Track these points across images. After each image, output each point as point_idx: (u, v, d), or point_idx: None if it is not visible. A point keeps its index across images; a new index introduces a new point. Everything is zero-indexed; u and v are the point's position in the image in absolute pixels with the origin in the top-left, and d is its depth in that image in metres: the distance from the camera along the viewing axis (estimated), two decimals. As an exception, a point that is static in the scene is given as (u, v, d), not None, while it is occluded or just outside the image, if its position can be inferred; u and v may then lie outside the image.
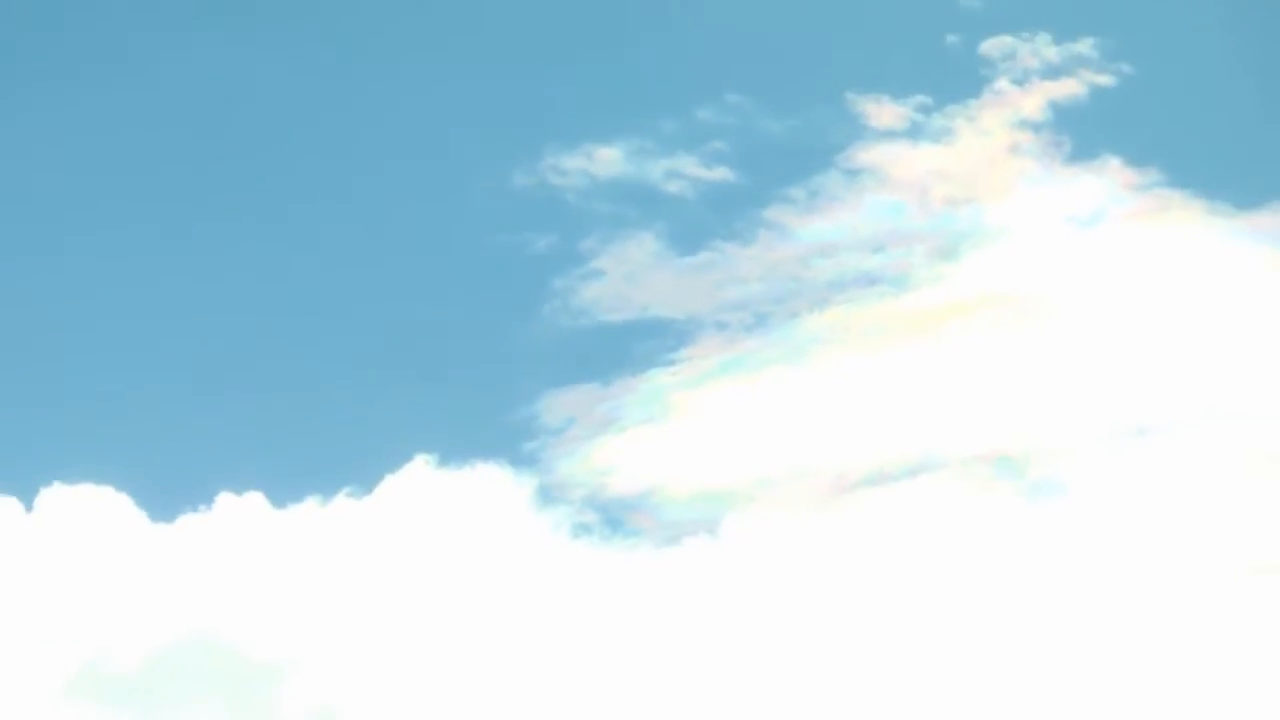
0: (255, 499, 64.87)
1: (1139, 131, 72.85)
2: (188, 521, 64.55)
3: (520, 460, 67.91)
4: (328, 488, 64.66)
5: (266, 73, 75.14)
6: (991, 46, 74.43)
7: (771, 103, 74.20)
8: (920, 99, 73.97)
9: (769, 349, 69.94)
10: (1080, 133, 73.00)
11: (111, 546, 63.88)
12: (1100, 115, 73.44)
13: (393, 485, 65.11)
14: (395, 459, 64.97)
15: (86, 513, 64.46)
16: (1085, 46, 74.11)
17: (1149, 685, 58.05)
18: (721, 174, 73.29)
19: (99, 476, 64.25)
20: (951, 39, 74.86)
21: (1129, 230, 71.31)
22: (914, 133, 73.79)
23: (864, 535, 63.88)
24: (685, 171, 73.17)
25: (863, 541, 63.65)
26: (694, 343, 69.88)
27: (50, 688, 60.02)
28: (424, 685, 60.23)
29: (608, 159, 73.24)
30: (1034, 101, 73.42)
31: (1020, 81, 73.97)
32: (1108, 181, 71.93)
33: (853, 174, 73.07)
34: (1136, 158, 72.16)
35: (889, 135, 73.62)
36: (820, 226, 72.07)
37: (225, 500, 64.62)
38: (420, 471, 65.63)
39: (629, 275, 71.53)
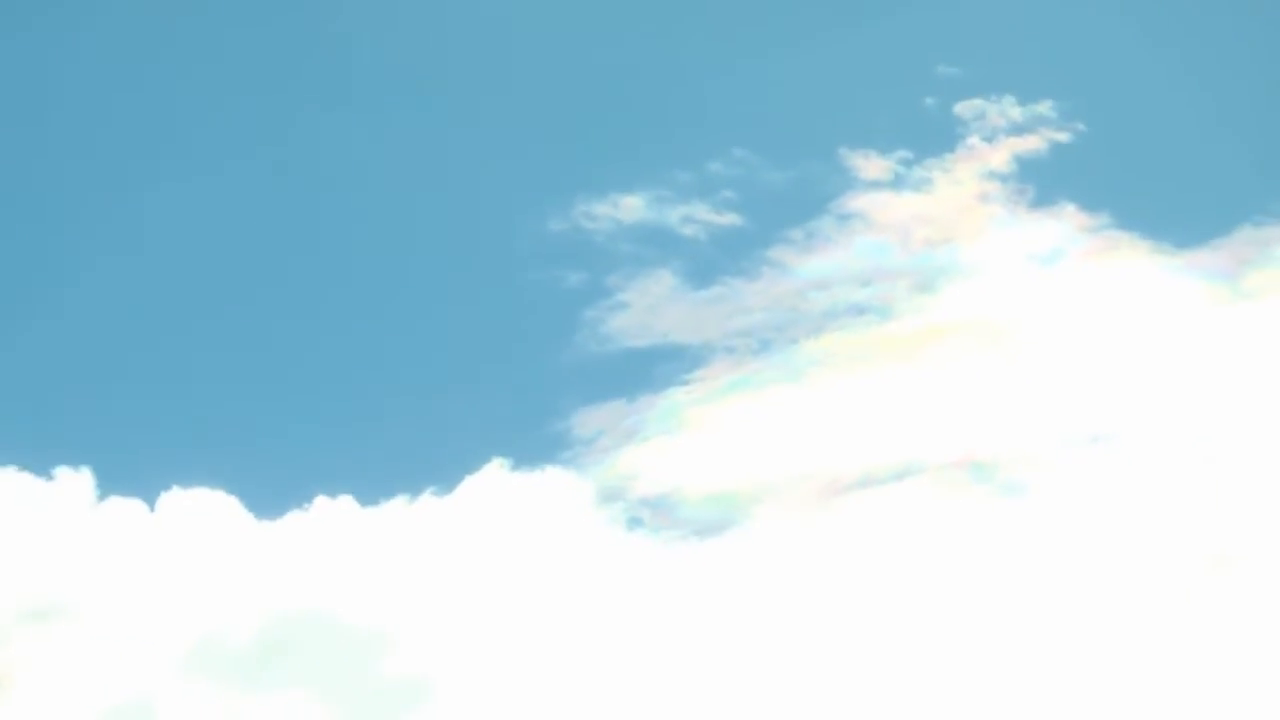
0: (346, 501, 66.83)
1: (1092, 181, 75.78)
2: (289, 520, 66.75)
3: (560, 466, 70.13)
4: (414, 488, 67.40)
5: (335, 138, 77.63)
6: (964, 108, 77.57)
7: (773, 157, 76.54)
8: (902, 153, 76.88)
9: (771, 370, 73.13)
10: (1041, 182, 76.07)
11: (223, 542, 66.50)
12: (1058, 167, 76.33)
13: (472, 485, 68.25)
14: (474, 462, 67.82)
15: (201, 513, 67.00)
16: (1045, 108, 77.18)
17: (1106, 668, 60.58)
18: (730, 219, 75.55)
19: (211, 481, 65.97)
20: (929, 101, 77.62)
21: (1084, 267, 74.83)
22: (897, 183, 76.78)
23: (856, 531, 67.13)
24: (698, 216, 75.72)
25: (855, 537, 66.88)
26: (706, 365, 73.06)
27: (170, 663, 63.25)
28: (503, 657, 63.10)
29: (631, 206, 76.14)
30: (1001, 155, 76.71)
31: (989, 138, 77.11)
32: (1065, 225, 75.40)
33: (844, 218, 76.00)
34: (1090, 204, 75.15)
35: (875, 185, 76.59)
36: (816, 264, 75.28)
37: (321, 502, 66.86)
38: (496, 473, 68.55)
39: (650, 307, 74.46)
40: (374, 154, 78.49)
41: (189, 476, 66.63)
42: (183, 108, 79.00)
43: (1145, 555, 64.69)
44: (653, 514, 68.43)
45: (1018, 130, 76.34)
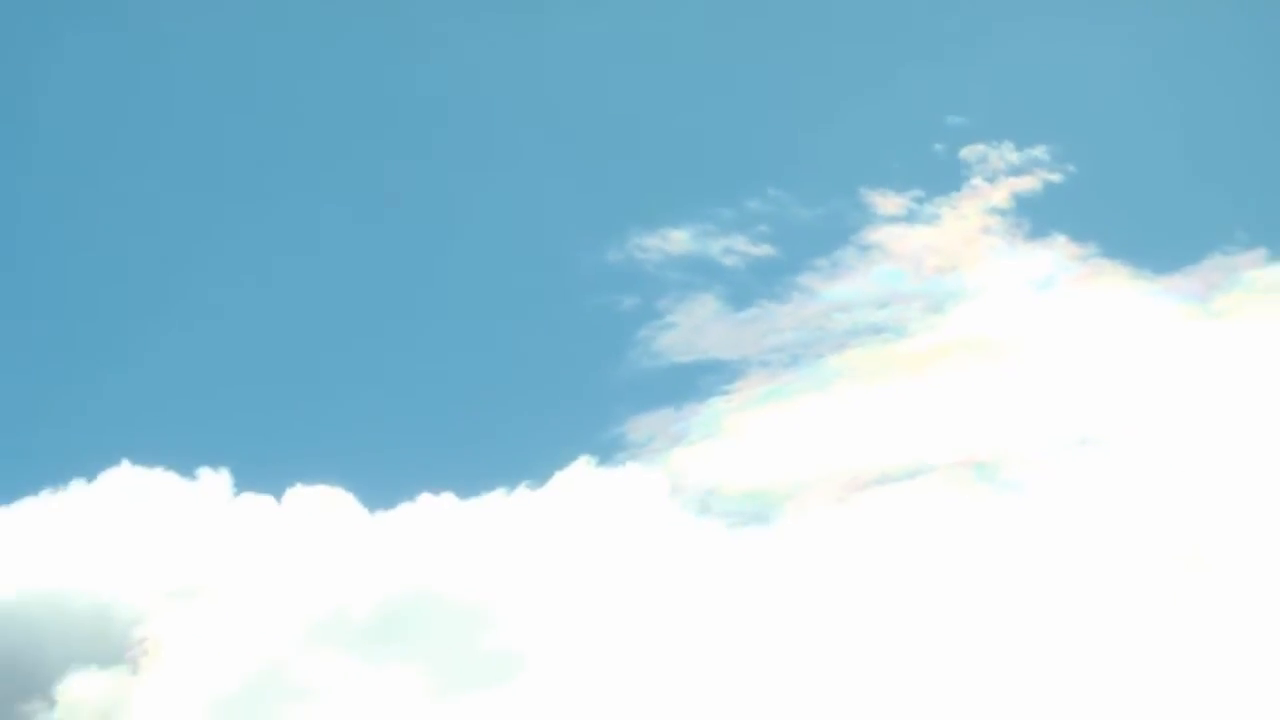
0: (449, 496, 70.08)
1: (1081, 216, 78.04)
2: (399, 512, 70.08)
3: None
4: (510, 481, 70.35)
5: (433, 186, 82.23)
6: (969, 152, 79.49)
7: (802, 195, 79.61)
8: (915, 192, 78.93)
9: (800, 382, 74.87)
10: (1036, 217, 78.15)
11: (341, 531, 69.67)
12: (1051, 204, 78.67)
13: (562, 479, 70.59)
14: (563, 459, 70.78)
15: (322, 506, 70.81)
16: (1040, 152, 79.16)
17: (1087, 639, 61.84)
18: (764, 249, 78.59)
19: (330, 479, 70.50)
20: (938, 147, 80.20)
21: (1074, 290, 76.33)
22: (910, 218, 78.57)
23: (874, 522, 68.94)
24: (737, 248, 78.45)
25: (873, 527, 68.70)
26: (743, 377, 75.01)
27: (297, 636, 65.94)
28: (590, 631, 64.92)
29: (678, 239, 78.74)
30: (1001, 194, 78.40)
31: (991, 179, 78.91)
32: (1057, 254, 77.10)
33: (864, 249, 78.03)
34: (1079, 236, 77.38)
35: (891, 220, 78.49)
36: (839, 289, 77.13)
37: (427, 496, 69.97)
38: (583, 468, 71.08)
39: (694, 327, 76.76)
40: (463, 197, 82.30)
41: (311, 475, 70.63)
42: (307, 159, 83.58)
43: (1127, 543, 66.08)
44: (699, 506, 70.49)
45: (1016, 171, 78.89)
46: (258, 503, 71.46)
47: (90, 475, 71.45)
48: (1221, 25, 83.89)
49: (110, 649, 65.53)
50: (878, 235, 78.22)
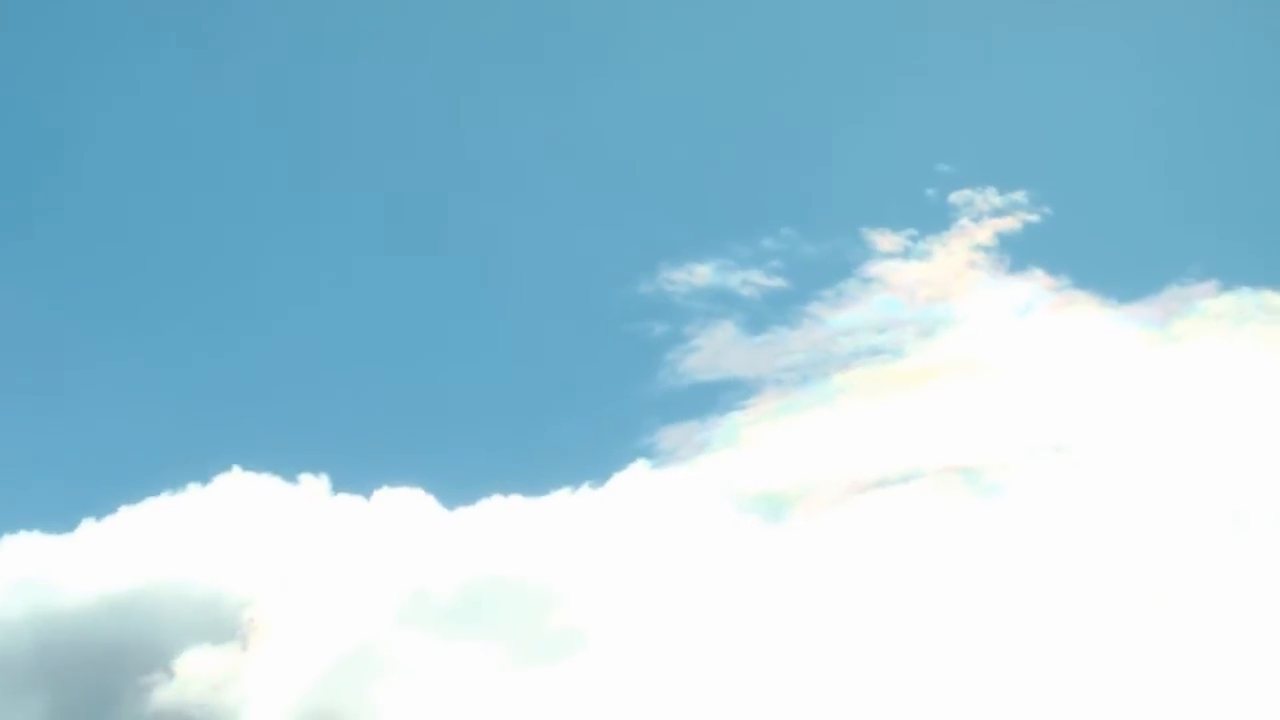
0: (517, 496, 73.04)
1: (1055, 252, 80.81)
2: (475, 509, 73.30)
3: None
4: (574, 482, 73.45)
5: (495, 226, 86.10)
6: (957, 197, 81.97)
7: (810, 235, 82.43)
8: (910, 231, 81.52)
9: (809, 398, 77.33)
10: (1016, 253, 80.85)
11: (422, 526, 72.53)
12: (1029, 242, 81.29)
13: (621, 479, 73.47)
14: (621, 461, 74.32)
15: (405, 504, 73.63)
16: (1019, 196, 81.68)
17: (1057, 620, 64.59)
18: (778, 282, 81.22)
19: (412, 481, 74.14)
20: (930, 192, 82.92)
21: (1049, 317, 78.82)
22: (906, 254, 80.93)
23: (873, 520, 71.55)
24: (753, 280, 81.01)
25: (872, 523, 71.31)
26: (759, 394, 77.88)
27: (386, 618, 68.22)
28: (643, 611, 67.15)
29: (702, 273, 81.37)
30: (985, 233, 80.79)
31: (976, 219, 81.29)
32: (1034, 285, 79.62)
33: (865, 281, 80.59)
34: (1054, 270, 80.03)
35: (889, 256, 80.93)
36: (843, 316, 79.51)
37: (498, 496, 73.04)
38: (640, 469, 73.97)
39: (716, 350, 79.51)
40: (521, 240, 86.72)
41: (396, 478, 74.20)
42: (398, 209, 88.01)
43: (1094, 538, 68.64)
44: (728, 506, 72.50)
45: (998, 213, 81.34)
46: (351, 502, 74.33)
47: (205, 479, 74.82)
48: (1178, 91, 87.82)
49: (222, 629, 68.54)
50: (877, 269, 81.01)
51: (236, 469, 75.31)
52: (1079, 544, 69.18)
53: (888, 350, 78.55)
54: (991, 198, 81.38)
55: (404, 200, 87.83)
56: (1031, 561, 68.39)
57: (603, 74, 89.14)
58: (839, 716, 63.50)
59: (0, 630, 70.42)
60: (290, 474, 74.78)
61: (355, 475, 74.63)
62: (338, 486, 74.70)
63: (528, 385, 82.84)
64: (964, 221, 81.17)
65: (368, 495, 74.55)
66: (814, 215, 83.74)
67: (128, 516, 73.95)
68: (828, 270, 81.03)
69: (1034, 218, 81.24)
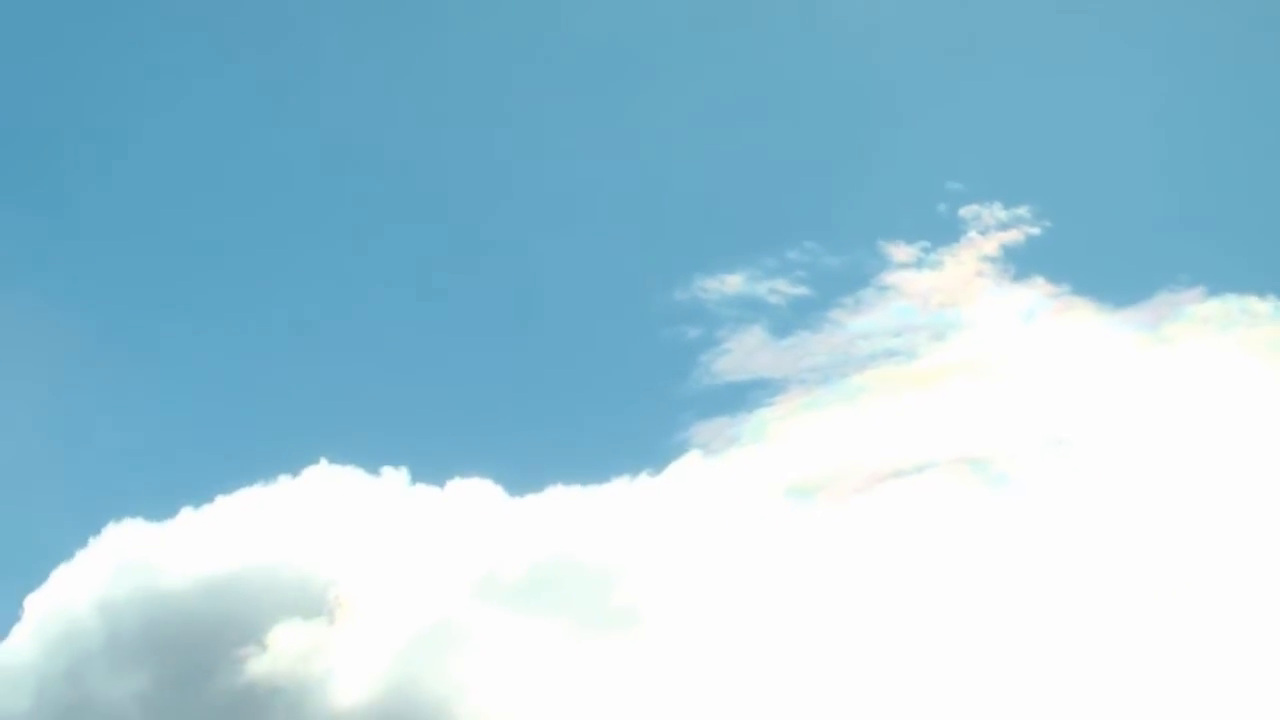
0: (575, 489, 75.45)
1: (1056, 262, 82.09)
2: (540, 496, 75.68)
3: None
4: (633, 470, 76.14)
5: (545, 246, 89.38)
6: (966, 211, 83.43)
7: (832, 247, 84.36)
8: (923, 244, 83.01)
9: (831, 396, 79.25)
10: (1020, 263, 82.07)
11: (491, 512, 75.23)
12: (1032, 252, 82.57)
13: (677, 468, 75.96)
14: (677, 452, 76.75)
15: (475, 493, 76.58)
16: (1023, 210, 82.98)
17: (1064, 605, 66.74)
18: (802, 291, 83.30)
19: (481, 472, 76.91)
20: (941, 207, 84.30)
21: (1050, 322, 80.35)
22: (919, 265, 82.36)
23: (891, 508, 73.61)
24: (780, 289, 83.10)
25: (889, 513, 73.40)
26: (785, 393, 79.63)
27: (461, 595, 71.04)
28: (695, 590, 69.47)
29: (733, 282, 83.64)
30: (992, 244, 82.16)
31: (984, 232, 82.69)
32: (1036, 292, 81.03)
33: (882, 289, 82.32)
34: (1054, 278, 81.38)
35: (904, 266, 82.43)
36: (862, 322, 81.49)
37: (556, 488, 75.71)
38: (694, 459, 76.30)
39: (746, 353, 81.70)
40: (570, 252, 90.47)
41: (466, 469, 77.19)
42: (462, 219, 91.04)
43: (1090, 523, 70.98)
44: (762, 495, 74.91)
45: (1004, 226, 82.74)
46: (427, 492, 76.92)
47: (295, 471, 77.37)
48: (1168, 114, 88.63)
49: (311, 605, 70.95)
50: (893, 279, 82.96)
51: (324, 461, 77.90)
52: (1079, 527, 71.68)
53: (903, 352, 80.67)
54: (998, 212, 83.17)
55: (472, 217, 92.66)
56: (1036, 543, 70.95)
57: (643, 97, 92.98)
58: (864, 683, 66.19)
59: (108, 610, 72.65)
60: (373, 467, 77.20)
61: (431, 468, 77.67)
62: (416, 477, 77.40)
63: (576, 384, 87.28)
64: (972, 234, 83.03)
65: (442, 485, 77.61)
66: (835, 230, 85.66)
67: (224, 505, 76.59)
68: (847, 279, 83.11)
69: (1036, 230, 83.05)
